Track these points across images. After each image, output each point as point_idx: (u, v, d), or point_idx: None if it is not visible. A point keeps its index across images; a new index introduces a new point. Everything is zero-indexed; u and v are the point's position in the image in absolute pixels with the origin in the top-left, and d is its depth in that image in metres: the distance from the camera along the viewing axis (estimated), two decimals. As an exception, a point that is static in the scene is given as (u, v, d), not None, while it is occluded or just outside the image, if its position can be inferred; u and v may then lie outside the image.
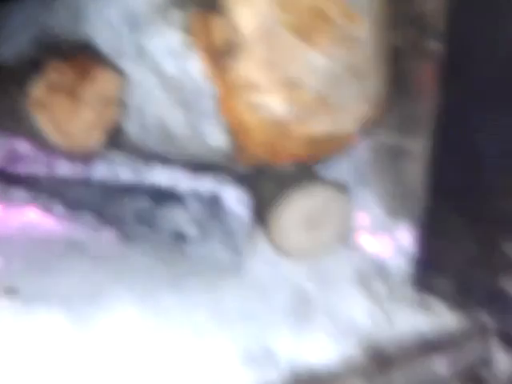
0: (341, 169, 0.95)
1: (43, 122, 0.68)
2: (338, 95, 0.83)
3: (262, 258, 0.92)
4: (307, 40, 0.77)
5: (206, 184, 0.90)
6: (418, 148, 0.94)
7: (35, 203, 0.91)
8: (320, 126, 0.82)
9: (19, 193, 0.92)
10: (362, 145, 0.93)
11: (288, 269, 0.90)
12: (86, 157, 0.75)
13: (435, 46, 0.92)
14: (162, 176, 0.90)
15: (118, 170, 0.90)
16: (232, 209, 0.88)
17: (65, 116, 0.69)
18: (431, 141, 0.87)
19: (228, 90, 0.71)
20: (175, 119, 0.79)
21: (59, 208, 0.91)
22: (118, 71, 0.75)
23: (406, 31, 0.93)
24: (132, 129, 0.87)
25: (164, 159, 0.90)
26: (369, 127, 0.89)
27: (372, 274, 0.90)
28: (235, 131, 0.75)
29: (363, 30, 0.84)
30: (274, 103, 0.75)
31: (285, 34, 0.75)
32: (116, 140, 0.85)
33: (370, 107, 0.88)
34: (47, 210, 0.91)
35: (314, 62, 0.78)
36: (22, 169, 0.90)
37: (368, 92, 0.88)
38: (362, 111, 0.87)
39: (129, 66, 0.78)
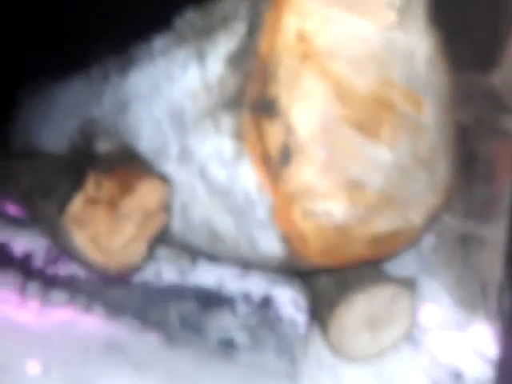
0: (405, 258, 0.84)
1: (81, 238, 0.61)
2: (404, 190, 0.73)
3: (319, 363, 0.82)
4: (371, 134, 0.68)
5: (256, 284, 0.81)
6: (493, 235, 0.83)
7: (74, 304, 0.84)
8: (385, 224, 0.73)
9: (58, 293, 0.85)
10: (428, 231, 0.83)
11: (349, 374, 0.80)
12: (125, 272, 0.67)
13: (510, 123, 0.81)
14: (208, 276, 0.82)
15: (162, 270, 0.82)
16: (286, 312, 0.78)
17: (104, 232, 0.62)
18: (509, 227, 0.76)
19: (283, 198, 0.62)
20: (224, 224, 0.71)
21: (99, 309, 0.83)
22: (162, 178, 0.67)
23: (477, 108, 0.83)
24: (177, 225, 0.80)
25: (211, 257, 0.82)
26: (436, 215, 0.79)
27: (444, 381, 0.79)
28: (291, 240, 0.66)
29: (429, 116, 0.74)
30: (334, 208, 0.66)
31: (346, 130, 0.66)
32: (160, 236, 0.77)
33: (438, 196, 0.78)
34: (87, 310, 0.84)
35: (379, 158, 0.69)
36: (62, 270, 0.83)
37: (437, 181, 0.78)
38: (431, 202, 0.77)
39: (173, 167, 0.71)
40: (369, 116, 0.67)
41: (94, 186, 0.61)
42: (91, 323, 0.85)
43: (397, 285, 0.79)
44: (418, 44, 0.72)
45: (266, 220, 0.65)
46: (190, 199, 0.74)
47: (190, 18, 0.75)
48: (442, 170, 0.77)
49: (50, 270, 0.83)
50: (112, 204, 0.62)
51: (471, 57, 0.84)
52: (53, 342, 0.84)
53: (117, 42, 1.01)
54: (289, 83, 0.60)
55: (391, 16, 0.66)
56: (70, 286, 0.82)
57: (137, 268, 0.68)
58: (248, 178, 0.62)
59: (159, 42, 0.84)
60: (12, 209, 0.93)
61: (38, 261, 0.85)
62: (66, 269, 0.80)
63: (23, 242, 0.87)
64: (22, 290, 0.83)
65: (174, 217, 0.78)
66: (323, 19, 0.63)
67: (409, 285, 0.80)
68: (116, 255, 0.63)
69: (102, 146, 0.93)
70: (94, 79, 1.09)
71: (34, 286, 0.83)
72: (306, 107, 0.62)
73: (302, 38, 0.61)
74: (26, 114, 1.35)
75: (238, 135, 0.60)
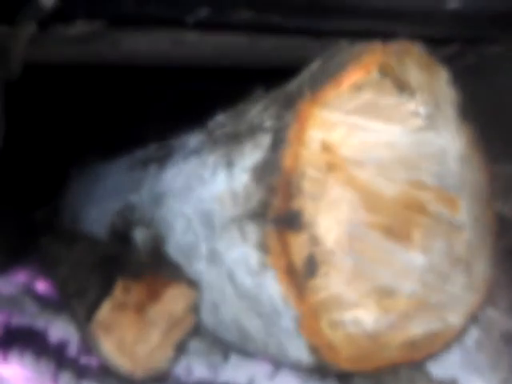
0: (447, 356, 0.79)
1: (108, 345, 0.60)
2: (440, 292, 0.69)
3: None
4: (401, 238, 0.65)
5: (288, 383, 0.77)
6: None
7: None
8: (420, 327, 0.68)
9: (90, 385, 0.84)
10: (471, 328, 0.77)
11: None
12: (153, 378, 0.65)
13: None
14: (239, 373, 0.79)
15: (193, 365, 0.80)
16: (319, 415, 0.74)
17: (131, 338, 0.61)
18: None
19: (309, 310, 0.60)
20: (253, 325, 0.69)
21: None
22: (190, 283, 0.67)
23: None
24: (208, 321, 0.78)
25: (242, 353, 0.79)
26: (477, 313, 0.73)
27: None
28: (319, 349, 0.63)
29: (465, 213, 0.70)
30: (363, 317, 0.63)
31: (374, 236, 0.63)
32: (193, 331, 0.76)
33: (478, 295, 0.73)
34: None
35: (411, 262, 0.65)
36: (94, 360, 0.83)
37: (475, 279, 0.73)
38: (470, 301, 0.72)
39: (203, 265, 0.70)
40: (398, 220, 0.64)
41: (122, 292, 0.61)
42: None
43: (436, 388, 0.73)
44: (449, 143, 0.69)
45: (292, 329, 0.62)
46: (219, 298, 0.73)
47: (220, 120, 0.76)
48: (481, 267, 0.73)
49: (84, 360, 0.82)
50: (139, 310, 0.62)
51: (507, 147, 0.80)
52: None
53: (158, 133, 1.04)
54: (314, 195, 0.59)
55: (418, 121, 0.64)
56: (102, 379, 0.81)
57: (164, 373, 0.66)
58: (273, 288, 0.60)
59: (193, 141, 0.85)
60: (50, 291, 0.95)
61: (73, 349, 0.85)
62: (98, 359, 0.80)
63: (59, 329, 0.87)
64: (55, 379, 0.83)
65: (206, 312, 0.77)
66: (348, 128, 0.62)
67: (449, 387, 0.75)
68: (142, 362, 0.62)
69: (139, 234, 0.94)
70: (135, 164, 1.12)
71: (66, 376, 0.83)
72: (332, 217, 0.60)
73: (326, 148, 0.60)
74: (74, 192, 1.40)
75: (263, 247, 0.59)
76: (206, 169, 0.73)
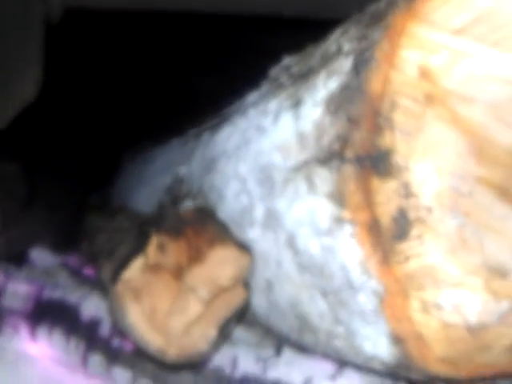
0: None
1: (135, 313, 0.47)
2: None
3: None
4: (519, 203, 0.48)
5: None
6: None
7: (137, 385, 0.70)
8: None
9: (121, 371, 0.72)
10: None
11: None
12: (189, 361, 0.51)
13: None
14: (293, 371, 0.63)
15: (239, 357, 0.65)
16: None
17: (164, 307, 0.47)
18: None
19: (396, 284, 0.45)
20: (316, 309, 0.54)
21: (164, 395, 0.68)
22: (241, 247, 0.53)
23: None
24: (260, 305, 0.64)
25: (299, 348, 0.64)
26: None
27: None
28: (404, 340, 0.47)
29: None
30: (466, 301, 0.46)
31: (485, 196, 0.47)
32: (241, 314, 0.61)
33: None
34: (151, 395, 0.69)
35: (531, 235, 0.49)
36: (127, 344, 0.70)
37: None
38: None
39: (257, 233, 0.57)
40: (516, 178, 0.48)
41: (156, 250, 0.48)
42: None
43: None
44: None
45: (370, 311, 0.47)
46: (275, 274, 0.58)
47: (286, 63, 0.63)
48: None
49: (115, 343, 0.70)
50: (177, 273, 0.48)
51: None
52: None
53: (213, 100, 0.93)
54: (408, 131, 0.44)
55: (549, 48, 0.48)
56: (134, 365, 0.68)
57: (202, 357, 0.52)
58: (348, 253, 0.45)
59: (253, 95, 0.73)
60: (88, 269, 0.84)
61: (105, 329, 0.73)
62: (131, 343, 0.67)
63: (93, 306, 0.76)
64: (84, 361, 0.71)
65: (257, 294, 0.63)
66: (454, 53, 0.46)
67: None
68: (177, 339, 0.48)
69: (185, 208, 0.82)
70: (189, 138, 1.01)
71: (96, 358, 0.71)
72: (431, 162, 0.44)
73: (425, 75, 0.45)
74: (126, 176, 1.31)
75: (338, 197, 0.44)
76: (266, 117, 0.59)
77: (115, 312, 0.50)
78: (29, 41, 0.59)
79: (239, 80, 0.74)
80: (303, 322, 0.57)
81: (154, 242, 0.49)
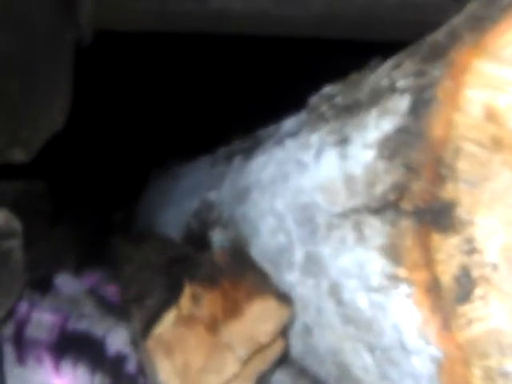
0: None
1: (167, 371, 0.43)
2: None
3: None
4: None
5: None
6: None
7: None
8: None
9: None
10: None
11: None
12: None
13: None
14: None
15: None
16: None
17: (198, 364, 0.44)
18: None
19: (457, 351, 0.40)
20: (359, 360, 0.50)
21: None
22: (281, 298, 0.48)
23: None
24: (296, 347, 0.60)
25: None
26: None
27: None
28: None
29: None
30: (537, 369, 0.41)
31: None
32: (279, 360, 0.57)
33: None
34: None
35: None
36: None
37: None
38: None
39: (296, 276, 0.52)
40: None
41: (191, 301, 0.44)
42: None
43: None
44: None
45: (426, 375, 0.42)
46: (315, 320, 0.54)
47: (327, 92, 0.59)
48: None
49: (142, 380, 0.67)
50: (212, 327, 0.44)
51: None
52: None
53: (245, 121, 0.89)
54: (473, 181, 0.39)
55: None
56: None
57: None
58: (403, 314, 0.41)
59: (290, 122, 0.68)
60: (116, 295, 0.81)
61: (132, 364, 0.70)
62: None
63: (119, 339, 0.72)
64: (110, 402, 0.68)
65: (294, 336, 0.59)
66: (524, 91, 0.42)
67: None
68: (212, 397, 0.44)
69: (216, 237, 0.78)
70: (218, 159, 0.97)
71: (123, 399, 0.67)
72: (498, 214, 0.40)
73: (492, 117, 0.41)
74: (152, 194, 1.29)
75: (392, 252, 0.40)
76: (306, 151, 0.55)
77: (146, 367, 0.46)
78: (59, 69, 0.56)
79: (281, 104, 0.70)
80: (344, 371, 0.53)
81: (187, 293, 0.45)
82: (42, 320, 0.75)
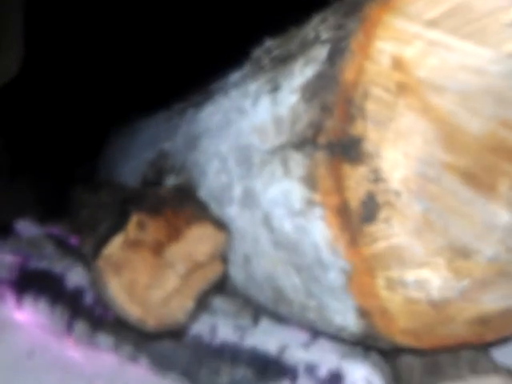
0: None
1: (116, 286, 0.49)
2: (524, 260, 0.54)
3: None
4: (484, 188, 0.51)
5: (324, 355, 0.65)
6: None
7: (120, 351, 0.73)
8: (496, 301, 0.54)
9: (104, 337, 0.75)
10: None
11: None
12: (167, 331, 0.54)
13: None
14: (269, 339, 0.67)
15: (218, 325, 0.69)
16: (359, 394, 0.61)
17: (143, 280, 0.50)
18: None
19: (363, 263, 0.47)
20: (290, 282, 0.57)
21: (145, 360, 0.72)
22: (218, 224, 0.55)
23: None
24: (239, 277, 0.66)
25: (275, 317, 0.67)
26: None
27: None
28: (371, 314, 0.50)
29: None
30: (430, 279, 0.49)
31: (451, 181, 0.49)
32: (220, 285, 0.64)
33: None
34: (132, 360, 0.72)
35: (493, 219, 0.51)
36: (110, 312, 0.73)
37: None
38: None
39: (236, 211, 0.59)
40: (482, 165, 0.50)
41: (137, 228, 0.50)
42: (136, 373, 0.74)
43: (506, 377, 0.59)
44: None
45: (339, 287, 0.50)
46: (253, 249, 0.61)
47: (267, 46, 0.64)
48: None
49: (99, 311, 0.73)
50: (156, 250, 0.51)
51: None
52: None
53: (197, 76, 0.93)
54: (379, 119, 0.46)
55: (517, 40, 0.50)
56: (117, 332, 0.71)
57: (181, 327, 0.55)
58: (319, 233, 0.48)
59: (235, 74, 0.73)
60: (72, 239, 0.86)
61: (89, 297, 0.76)
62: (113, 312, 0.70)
63: (77, 275, 0.78)
64: (69, 328, 0.74)
65: (236, 267, 0.65)
66: (427, 43, 0.48)
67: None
68: (155, 310, 0.51)
69: (170, 183, 0.84)
70: (173, 113, 1.01)
71: (81, 326, 0.74)
72: (401, 149, 0.46)
73: (398, 65, 0.47)
74: (112, 149, 1.32)
75: (310, 180, 0.46)
76: (246, 99, 0.61)
77: (97, 285, 0.52)
78: (10, 18, 0.59)
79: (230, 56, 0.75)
80: (279, 294, 0.60)
81: (134, 220, 0.51)
82: (4, 261, 0.80)
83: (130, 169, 1.09)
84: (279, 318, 0.66)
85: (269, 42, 0.64)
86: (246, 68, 0.67)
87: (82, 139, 1.42)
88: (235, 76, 0.72)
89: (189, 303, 0.53)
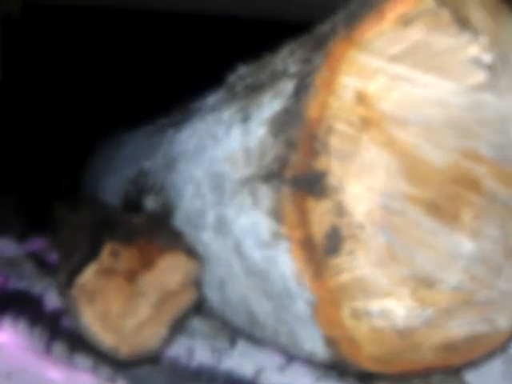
0: (491, 369, 0.65)
1: (89, 315, 0.50)
2: (489, 288, 0.55)
3: None
4: (447, 219, 0.52)
5: (299, 379, 0.66)
6: None
7: (99, 372, 0.74)
8: (461, 328, 0.55)
9: (84, 359, 0.75)
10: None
11: None
12: (141, 358, 0.55)
13: None
14: (245, 362, 0.68)
15: (196, 347, 0.69)
16: (332, 418, 0.62)
17: (116, 309, 0.51)
18: None
19: (328, 294, 0.48)
20: (261, 308, 0.58)
21: (122, 382, 0.72)
22: (190, 253, 0.56)
23: None
24: (215, 298, 0.67)
25: (251, 340, 0.68)
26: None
27: None
28: (337, 342, 0.51)
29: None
30: (393, 309, 0.50)
31: (414, 213, 0.50)
32: (196, 308, 0.65)
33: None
34: (110, 381, 0.73)
35: (457, 248, 0.52)
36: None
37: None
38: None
39: (209, 236, 0.60)
40: (445, 195, 0.51)
41: (110, 256, 0.51)
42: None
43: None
44: (512, 108, 0.56)
45: (306, 316, 0.51)
46: (227, 274, 0.62)
47: (241, 72, 0.65)
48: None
49: (78, 332, 0.73)
50: (129, 278, 0.51)
51: None
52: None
53: (176, 95, 0.94)
54: (343, 154, 0.47)
55: (479, 76, 0.51)
56: (95, 353, 0.72)
57: (154, 353, 0.56)
58: (286, 265, 0.48)
59: (212, 98, 0.75)
60: (54, 256, 0.86)
61: (67, 319, 0.76)
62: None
63: (56, 297, 0.79)
64: (48, 349, 0.74)
65: (212, 290, 0.66)
66: (390, 78, 0.49)
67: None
68: (129, 338, 0.52)
69: (150, 203, 0.84)
70: (155, 130, 1.02)
71: (60, 346, 0.74)
72: (365, 183, 0.47)
73: (362, 100, 0.48)
74: (97, 162, 1.33)
75: (277, 214, 0.47)
76: (220, 126, 0.62)
77: (71, 313, 0.53)
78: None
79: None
80: (253, 318, 0.61)
81: (107, 249, 0.52)
82: (-17, 281, 0.80)
83: (113, 183, 1.10)
84: (255, 341, 0.67)
85: (242, 69, 0.65)
86: (222, 93, 0.68)
87: (67, 151, 1.43)
88: (212, 99, 0.73)
89: (162, 330, 0.54)
